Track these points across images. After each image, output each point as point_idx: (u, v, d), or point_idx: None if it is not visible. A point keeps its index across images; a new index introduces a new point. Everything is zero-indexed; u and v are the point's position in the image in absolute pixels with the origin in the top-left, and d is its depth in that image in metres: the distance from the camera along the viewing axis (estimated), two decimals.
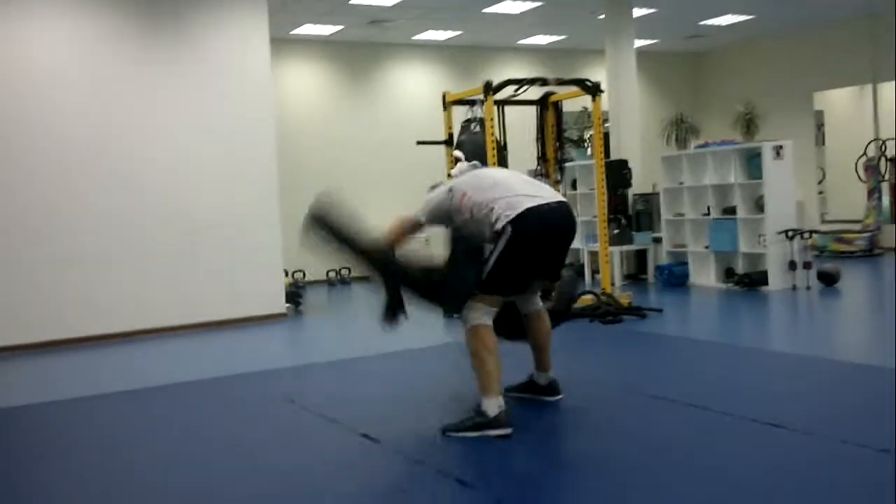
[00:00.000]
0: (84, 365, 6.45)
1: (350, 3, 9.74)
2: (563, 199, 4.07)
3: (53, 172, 7.21)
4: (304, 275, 10.70)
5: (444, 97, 7.74)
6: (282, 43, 10.95)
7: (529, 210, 3.78)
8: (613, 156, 10.13)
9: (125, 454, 3.92)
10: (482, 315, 3.85)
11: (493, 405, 3.78)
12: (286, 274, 8.74)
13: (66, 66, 7.30)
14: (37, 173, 7.16)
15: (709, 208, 8.96)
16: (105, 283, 7.37)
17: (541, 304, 4.30)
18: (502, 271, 3.83)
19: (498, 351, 3.87)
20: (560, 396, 4.34)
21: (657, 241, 9.67)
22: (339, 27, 10.87)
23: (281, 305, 8.19)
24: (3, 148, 7.06)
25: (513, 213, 3.77)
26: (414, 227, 4.16)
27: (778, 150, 8.40)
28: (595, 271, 9.57)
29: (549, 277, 4.22)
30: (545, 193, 3.97)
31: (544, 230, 3.84)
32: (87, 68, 7.37)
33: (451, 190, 4.09)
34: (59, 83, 7.25)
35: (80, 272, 7.27)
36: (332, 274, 11.38)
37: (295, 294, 8.62)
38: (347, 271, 11.37)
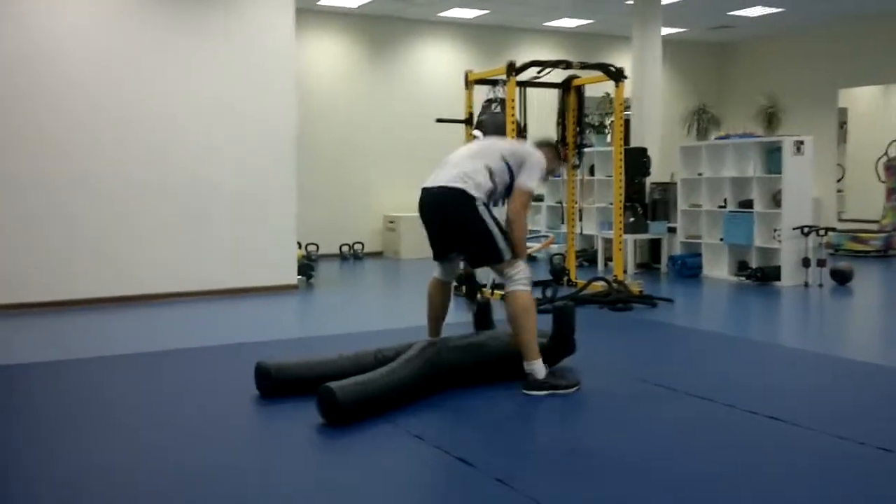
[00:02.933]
0: (97, 326, 6.52)
1: None
2: (445, 185, 4.31)
3: (77, 139, 7.27)
4: (318, 248, 10.75)
5: (466, 76, 7.75)
6: (307, 14, 10.95)
7: (422, 190, 4.48)
8: (633, 143, 10.12)
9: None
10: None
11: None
12: (299, 246, 8.78)
13: (90, 35, 7.31)
14: (61, 140, 7.21)
15: (725, 200, 8.93)
16: (121, 247, 7.44)
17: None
18: None
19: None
20: None
21: (672, 231, 9.65)
22: (366, 0, 10.84)
23: (292, 277, 8.24)
24: (30, 112, 7.11)
25: None
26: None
27: (798, 146, 8.35)
28: (608, 258, 9.57)
29: (444, 252, 4.53)
30: (439, 177, 4.38)
31: (421, 209, 4.48)
32: (110, 36, 7.38)
33: None
34: (81, 51, 7.27)
35: (98, 236, 7.34)
36: (344, 248, 11.43)
37: (307, 266, 8.66)
38: (361, 246, 11.42)
